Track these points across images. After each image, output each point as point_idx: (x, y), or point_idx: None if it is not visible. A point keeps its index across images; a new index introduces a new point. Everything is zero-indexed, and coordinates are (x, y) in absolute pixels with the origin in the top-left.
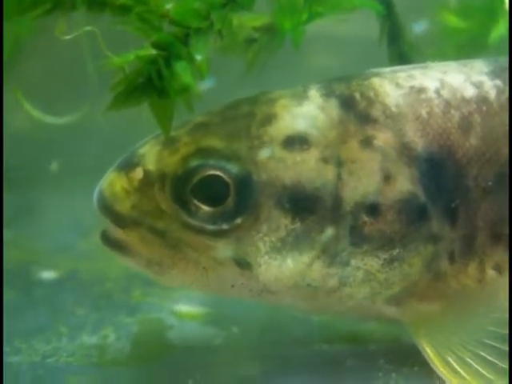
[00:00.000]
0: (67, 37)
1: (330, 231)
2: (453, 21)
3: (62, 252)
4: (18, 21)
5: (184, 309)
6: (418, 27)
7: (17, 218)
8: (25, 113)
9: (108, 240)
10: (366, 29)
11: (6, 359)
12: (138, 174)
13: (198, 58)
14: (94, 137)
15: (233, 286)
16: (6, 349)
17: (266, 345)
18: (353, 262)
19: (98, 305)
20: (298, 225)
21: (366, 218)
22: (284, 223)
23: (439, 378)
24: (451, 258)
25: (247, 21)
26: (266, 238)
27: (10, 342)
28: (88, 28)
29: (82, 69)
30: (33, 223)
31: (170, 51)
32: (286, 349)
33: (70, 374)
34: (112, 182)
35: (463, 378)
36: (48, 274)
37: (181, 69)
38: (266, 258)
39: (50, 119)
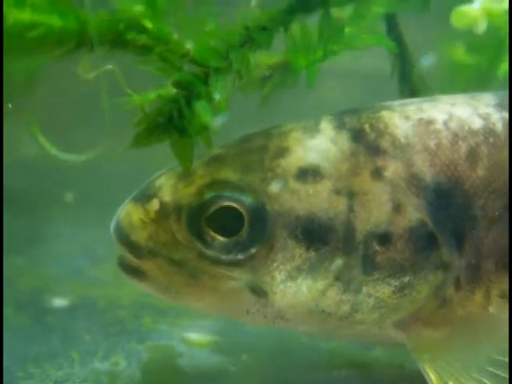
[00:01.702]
0: (89, 75)
1: (342, 260)
2: (461, 56)
3: (74, 279)
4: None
5: (194, 337)
6: (427, 61)
7: (29, 245)
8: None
9: (125, 266)
10: (374, 64)
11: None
12: (155, 205)
13: (217, 96)
14: (108, 170)
15: (248, 312)
16: (18, 374)
17: (276, 372)
18: (365, 289)
19: (109, 332)
20: (311, 254)
21: (377, 247)
22: (298, 253)
23: None
24: (457, 285)
25: (262, 59)
26: (281, 267)
27: (23, 367)
28: (109, 66)
29: (97, 104)
30: (45, 250)
31: (191, 90)
32: (294, 375)
33: None
34: (129, 213)
35: None
36: (60, 301)
37: (201, 108)
38: (282, 286)
39: (65, 157)
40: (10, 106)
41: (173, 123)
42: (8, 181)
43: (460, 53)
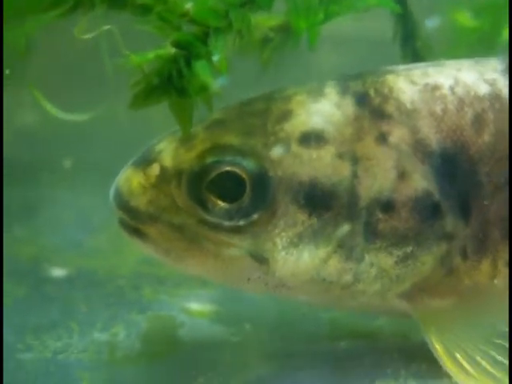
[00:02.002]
0: (86, 36)
1: (345, 227)
2: (464, 20)
3: (72, 249)
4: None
5: (194, 306)
6: (431, 23)
7: (27, 214)
8: (35, 109)
9: (126, 227)
10: (373, 28)
11: (18, 355)
12: (155, 170)
13: (217, 57)
14: (104, 134)
15: (249, 280)
16: (17, 345)
17: (276, 342)
18: (367, 258)
19: (109, 302)
20: (314, 220)
21: (380, 215)
22: (300, 219)
23: (447, 375)
24: (464, 255)
25: (263, 20)
26: (283, 234)
27: (22, 338)
28: (107, 27)
29: (95, 66)
30: (43, 219)
31: (190, 50)
32: (295, 346)
33: (80, 370)
34: (129, 178)
35: (471, 375)
36: (58, 271)
37: (201, 68)
38: (283, 253)
39: (68, 117)
40: (7, 71)
41: (172, 83)
42: (5, 150)
43: (463, 16)
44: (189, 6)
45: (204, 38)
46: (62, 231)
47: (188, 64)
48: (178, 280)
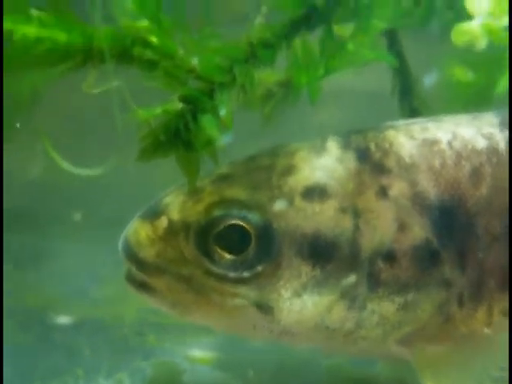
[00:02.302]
0: (95, 91)
1: (348, 277)
2: (460, 74)
3: (78, 298)
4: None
5: (197, 353)
6: (429, 80)
7: (35, 263)
8: (48, 160)
9: (133, 281)
10: (372, 82)
11: None
12: (163, 222)
13: (223, 112)
14: (114, 189)
15: (254, 328)
16: None
17: None
18: (369, 306)
19: (113, 349)
20: (318, 271)
21: (382, 265)
22: (304, 270)
23: None
24: (460, 303)
25: (265, 76)
26: (288, 285)
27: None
28: (115, 82)
29: (105, 121)
30: (50, 268)
31: (197, 105)
32: None
33: None
34: (137, 230)
35: None
36: (64, 319)
37: (207, 122)
38: (288, 303)
39: (79, 171)
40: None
41: (179, 137)
42: (15, 200)
43: (459, 71)
44: (195, 61)
45: (210, 92)
46: (67, 280)
47: (194, 118)
48: (182, 328)
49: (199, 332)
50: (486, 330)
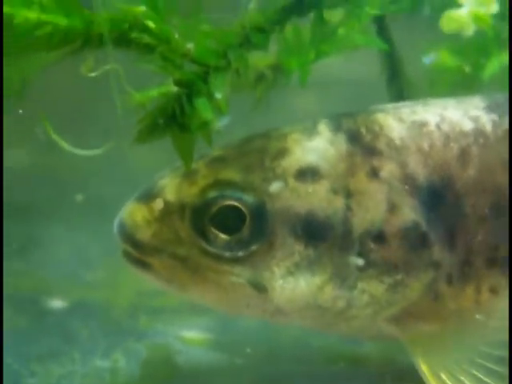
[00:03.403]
0: (93, 74)
1: (339, 257)
2: (446, 59)
3: (71, 282)
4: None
5: (189, 335)
6: (428, 60)
7: (27, 250)
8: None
9: (130, 258)
10: (358, 72)
11: (23, 381)
12: (159, 204)
13: (218, 95)
14: (103, 173)
15: (248, 306)
16: (22, 371)
17: (269, 368)
18: (359, 285)
19: (107, 331)
20: (310, 251)
21: (372, 245)
22: (297, 249)
23: None
24: (449, 281)
25: (256, 59)
26: (281, 263)
27: (26, 365)
28: (113, 65)
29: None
30: (43, 255)
31: (192, 88)
32: (288, 371)
33: None
34: (133, 212)
35: None
36: (58, 303)
37: (202, 105)
38: (281, 281)
39: (78, 151)
40: (21, 111)
41: (175, 120)
42: (5, 190)
43: (446, 56)
44: (190, 46)
45: (204, 76)
46: (60, 266)
47: (190, 101)
48: (173, 310)
49: (191, 314)
50: (479, 306)
